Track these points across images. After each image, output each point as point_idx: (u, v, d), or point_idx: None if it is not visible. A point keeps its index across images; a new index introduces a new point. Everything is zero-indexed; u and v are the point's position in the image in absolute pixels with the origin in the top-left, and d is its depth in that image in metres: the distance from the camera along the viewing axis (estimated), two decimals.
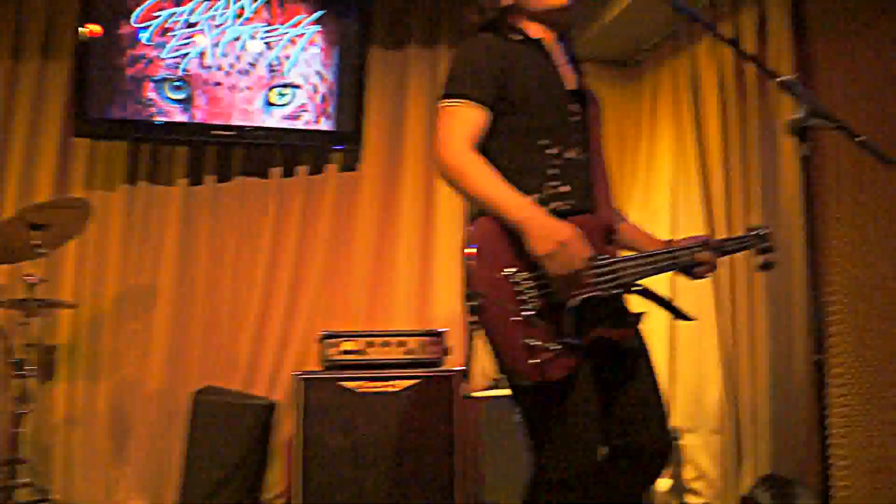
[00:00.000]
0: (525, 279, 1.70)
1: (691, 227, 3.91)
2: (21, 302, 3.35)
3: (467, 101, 1.86)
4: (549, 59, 2.00)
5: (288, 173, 4.25)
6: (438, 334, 3.66)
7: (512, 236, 1.72)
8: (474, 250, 1.70)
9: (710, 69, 3.83)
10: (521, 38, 2.00)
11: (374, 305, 4.20)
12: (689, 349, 3.88)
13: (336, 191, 4.27)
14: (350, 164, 4.32)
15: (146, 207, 4.13)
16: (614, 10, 4.06)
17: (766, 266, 2.12)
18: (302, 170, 4.26)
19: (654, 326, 3.86)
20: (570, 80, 2.02)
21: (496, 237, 1.73)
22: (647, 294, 1.92)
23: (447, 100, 1.89)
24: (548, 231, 1.66)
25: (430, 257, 4.24)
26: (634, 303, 1.95)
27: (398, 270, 4.23)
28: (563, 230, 1.67)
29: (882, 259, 2.98)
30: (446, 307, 4.10)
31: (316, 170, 4.29)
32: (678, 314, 1.99)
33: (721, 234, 3.66)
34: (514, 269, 1.71)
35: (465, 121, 1.85)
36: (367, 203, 4.28)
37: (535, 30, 2.02)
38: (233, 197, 4.19)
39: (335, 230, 4.24)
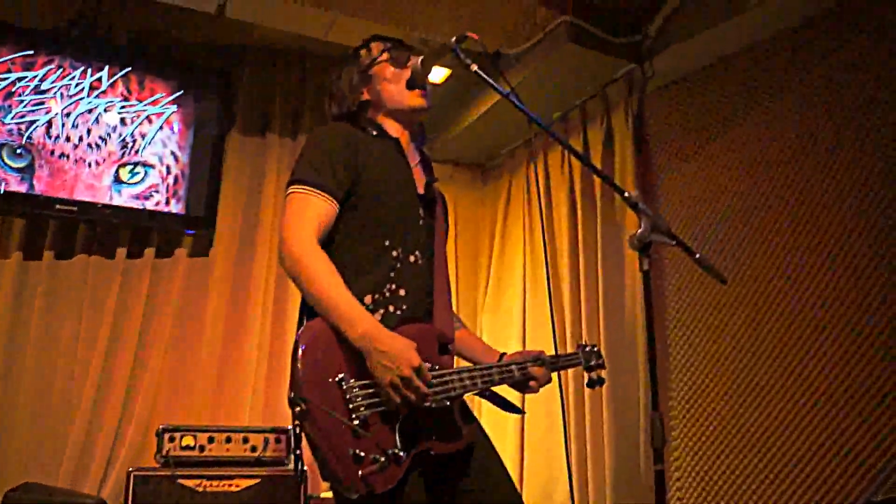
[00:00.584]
0: (354, 386, 1.65)
1: (540, 329, 4.02)
2: None
3: (319, 190, 1.83)
4: (405, 159, 2.01)
5: (134, 255, 4.02)
6: (284, 431, 3.51)
7: (344, 341, 1.68)
8: (303, 352, 1.64)
9: (562, 177, 4.05)
10: (377, 133, 2.01)
11: (219, 399, 3.99)
12: (539, 448, 3.92)
13: (184, 276, 4.08)
14: (201, 250, 4.16)
15: None
16: (472, 116, 4.25)
17: (592, 383, 2.20)
18: (149, 252, 4.03)
19: (506, 425, 3.93)
20: (420, 184, 2.03)
21: (328, 340, 1.68)
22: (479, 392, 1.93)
23: (298, 185, 1.84)
24: (390, 360, 1.63)
25: (280, 351, 4.08)
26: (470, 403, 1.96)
27: (246, 363, 4.05)
28: (405, 362, 1.63)
29: (719, 368, 3.17)
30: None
31: (164, 253, 4.09)
32: (508, 407, 2.01)
33: (569, 338, 3.79)
34: (342, 375, 1.65)
35: (315, 211, 1.81)
36: (217, 291, 4.11)
37: (392, 127, 2.04)
38: (73, 276, 3.88)
39: (181, 317, 4.02)
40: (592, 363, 2.20)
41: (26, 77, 3.80)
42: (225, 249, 4.18)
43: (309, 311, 1.78)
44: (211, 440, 3.37)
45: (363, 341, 1.65)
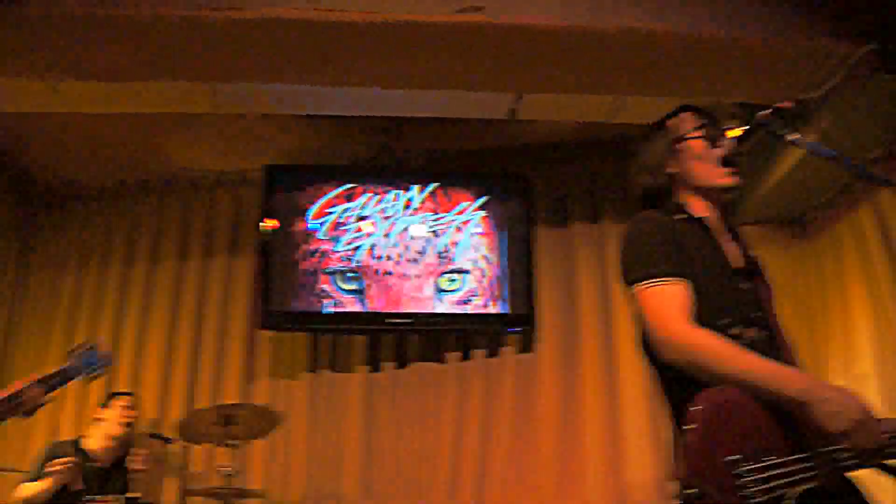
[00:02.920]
0: (748, 469, 1.55)
1: None
2: (217, 490, 3.48)
3: (669, 278, 1.78)
4: (714, 238, 1.93)
5: (465, 357, 4.24)
6: None
7: (740, 416, 1.59)
8: (695, 433, 1.57)
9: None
10: (684, 216, 1.94)
11: (562, 486, 3.98)
12: None
13: (514, 372, 4.21)
14: (526, 345, 4.28)
15: (329, 395, 4.20)
16: (780, 173, 3.97)
17: None
18: (479, 353, 4.24)
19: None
20: (735, 258, 1.93)
21: (723, 417, 1.60)
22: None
23: (643, 283, 1.81)
24: (840, 407, 1.53)
25: (617, 432, 4.03)
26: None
27: (585, 448, 4.03)
28: (854, 406, 1.53)
29: None
30: (640, 490, 3.84)
31: (492, 353, 4.27)
32: None
33: None
34: (736, 458, 1.56)
35: (674, 297, 1.76)
36: (547, 382, 4.18)
37: (698, 206, 1.97)
38: (412, 383, 4.20)
39: (517, 412, 4.13)
40: None
41: (349, 208, 4.24)
42: (549, 342, 4.26)
43: (678, 399, 1.72)
44: None
45: (805, 394, 1.56)
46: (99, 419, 3.73)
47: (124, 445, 3.71)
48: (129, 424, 3.72)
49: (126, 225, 4.66)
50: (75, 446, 3.63)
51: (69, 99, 3.57)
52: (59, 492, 3.41)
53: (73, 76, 3.33)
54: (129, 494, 3.43)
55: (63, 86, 3.45)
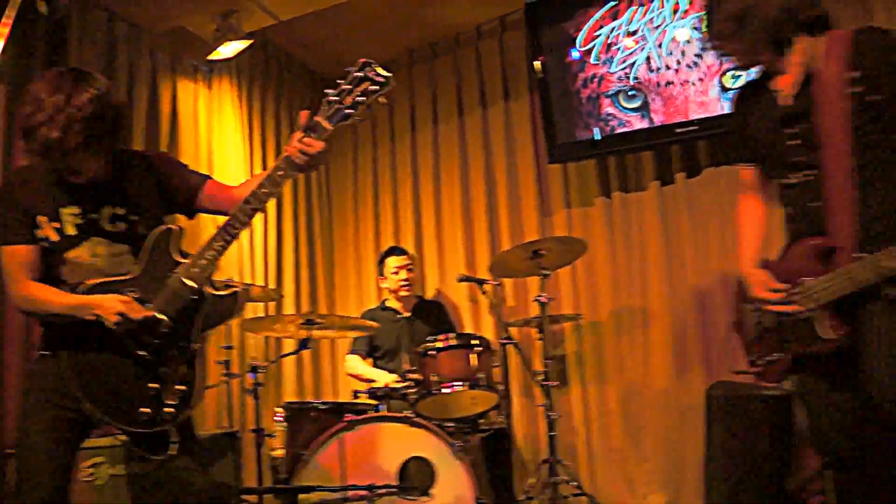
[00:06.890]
0: None
1: None
2: (533, 318, 3.81)
3: None
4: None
5: None
6: None
7: None
8: None
9: None
10: None
11: None
12: None
13: None
14: None
15: (624, 215, 4.33)
16: None
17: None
18: None
19: None
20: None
21: None
22: None
23: None
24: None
25: None
26: None
27: None
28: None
29: None
30: None
31: None
32: None
33: None
34: None
35: None
36: None
37: None
38: (707, 189, 4.12)
39: None
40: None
41: (615, 26, 4.16)
42: None
43: None
44: None
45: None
46: (384, 287, 4.32)
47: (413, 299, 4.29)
48: (406, 285, 4.20)
49: (406, 94, 5.00)
50: (383, 307, 4.27)
51: None
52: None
53: None
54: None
55: None
